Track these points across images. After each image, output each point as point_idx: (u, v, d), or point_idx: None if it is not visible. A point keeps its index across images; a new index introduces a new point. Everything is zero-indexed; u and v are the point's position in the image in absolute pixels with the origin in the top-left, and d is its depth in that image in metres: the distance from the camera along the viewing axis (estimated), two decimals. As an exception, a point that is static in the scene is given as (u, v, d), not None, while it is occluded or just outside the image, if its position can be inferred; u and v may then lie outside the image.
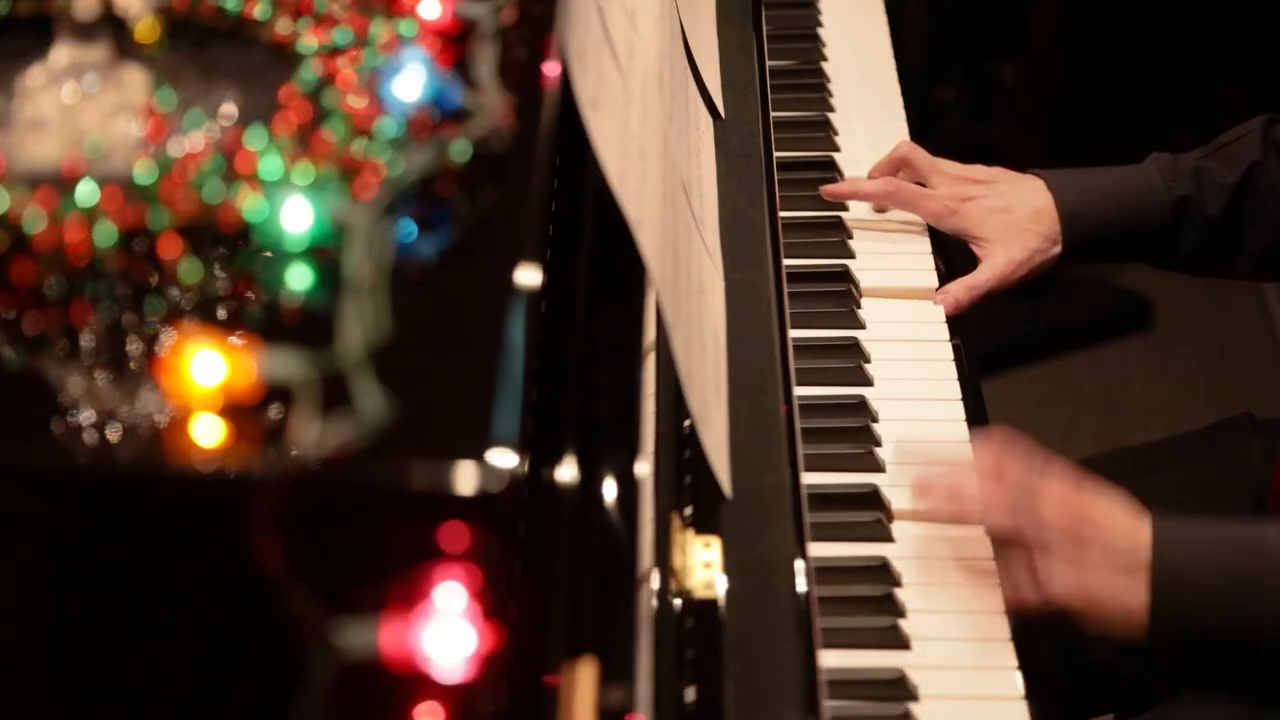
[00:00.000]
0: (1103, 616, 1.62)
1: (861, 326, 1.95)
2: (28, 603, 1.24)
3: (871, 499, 1.74)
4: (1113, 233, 2.03)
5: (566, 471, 1.41)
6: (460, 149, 1.39)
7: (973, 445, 1.76)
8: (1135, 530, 1.62)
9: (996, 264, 2.01)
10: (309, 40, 1.49)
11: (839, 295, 1.99)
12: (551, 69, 1.47)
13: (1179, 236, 2.02)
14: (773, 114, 2.15)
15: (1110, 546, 1.61)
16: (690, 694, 1.45)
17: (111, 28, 1.42)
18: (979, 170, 2.09)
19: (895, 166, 2.11)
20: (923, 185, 2.09)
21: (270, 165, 1.36)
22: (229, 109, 1.42)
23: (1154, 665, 1.70)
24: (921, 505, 1.71)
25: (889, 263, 2.05)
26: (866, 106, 2.31)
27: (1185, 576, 1.61)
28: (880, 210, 2.11)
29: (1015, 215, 2.03)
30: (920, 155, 2.10)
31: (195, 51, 1.50)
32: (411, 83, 1.42)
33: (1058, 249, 2.03)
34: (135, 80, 1.43)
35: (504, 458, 1.18)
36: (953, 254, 2.07)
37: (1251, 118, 2.06)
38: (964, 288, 2.00)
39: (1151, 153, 2.06)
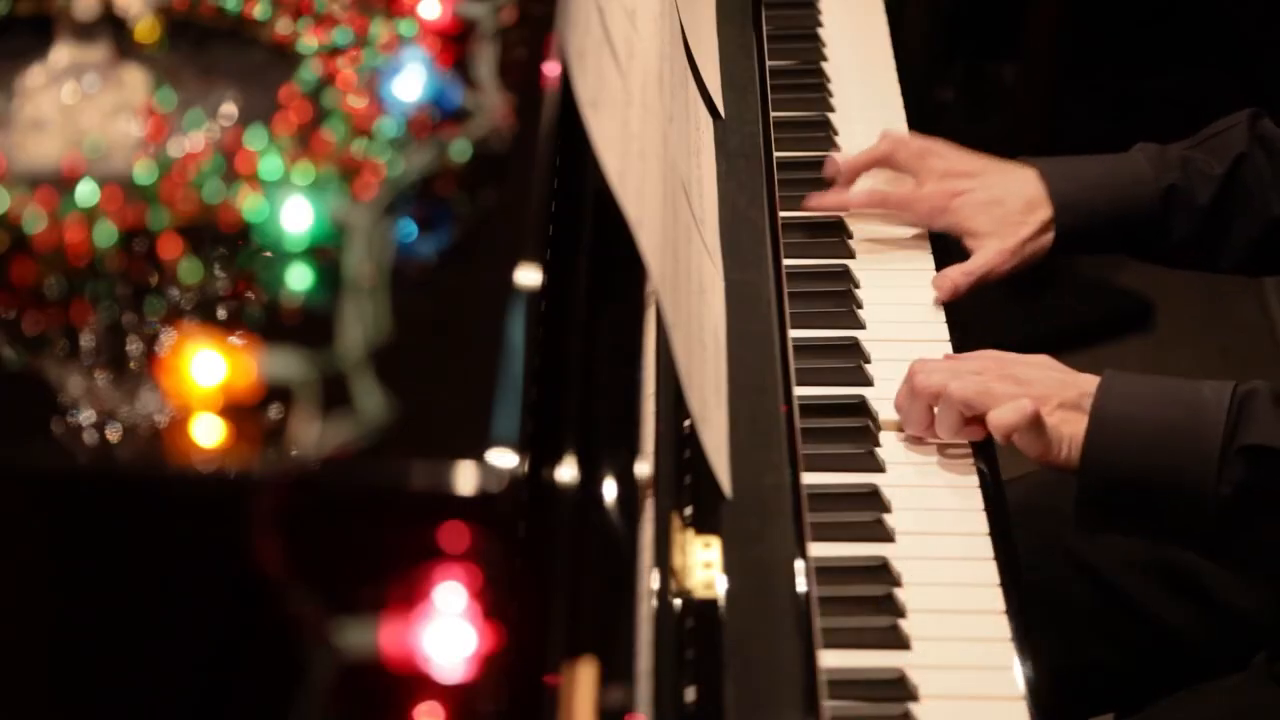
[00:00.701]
0: (1047, 445, 1.72)
1: (861, 326, 1.95)
2: (28, 603, 1.24)
3: (871, 499, 1.74)
4: (1104, 221, 2.03)
5: (566, 471, 1.41)
6: (460, 149, 1.39)
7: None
8: (1078, 381, 1.75)
9: (988, 252, 2.01)
10: (309, 40, 1.49)
11: (839, 295, 1.99)
12: (551, 69, 1.47)
13: (1168, 226, 2.02)
14: (773, 114, 2.15)
15: (1058, 393, 1.73)
16: (690, 694, 1.45)
17: (111, 28, 1.42)
18: (965, 161, 2.07)
19: (874, 163, 2.10)
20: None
21: (270, 165, 1.36)
22: (229, 109, 1.42)
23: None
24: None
25: (889, 262, 2.05)
26: (866, 106, 2.31)
27: (1122, 420, 1.70)
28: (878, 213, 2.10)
29: (1007, 207, 2.02)
30: (904, 151, 2.08)
31: (195, 51, 1.50)
32: (411, 83, 1.42)
33: (1049, 237, 2.02)
34: (135, 80, 1.43)
35: (504, 458, 1.18)
36: (952, 253, 2.07)
37: (1230, 116, 2.06)
38: (961, 272, 2.00)
39: (1137, 143, 2.06)
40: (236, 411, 1.22)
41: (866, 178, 2.11)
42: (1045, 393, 1.74)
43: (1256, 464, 1.66)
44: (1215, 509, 1.66)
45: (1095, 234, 2.04)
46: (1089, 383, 1.74)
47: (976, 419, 1.76)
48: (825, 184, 2.13)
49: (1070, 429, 1.72)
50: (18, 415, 1.24)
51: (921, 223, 2.07)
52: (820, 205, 2.08)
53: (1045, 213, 2.02)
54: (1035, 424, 1.71)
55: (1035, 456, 1.73)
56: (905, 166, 2.08)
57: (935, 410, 1.78)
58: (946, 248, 2.07)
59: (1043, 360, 1.79)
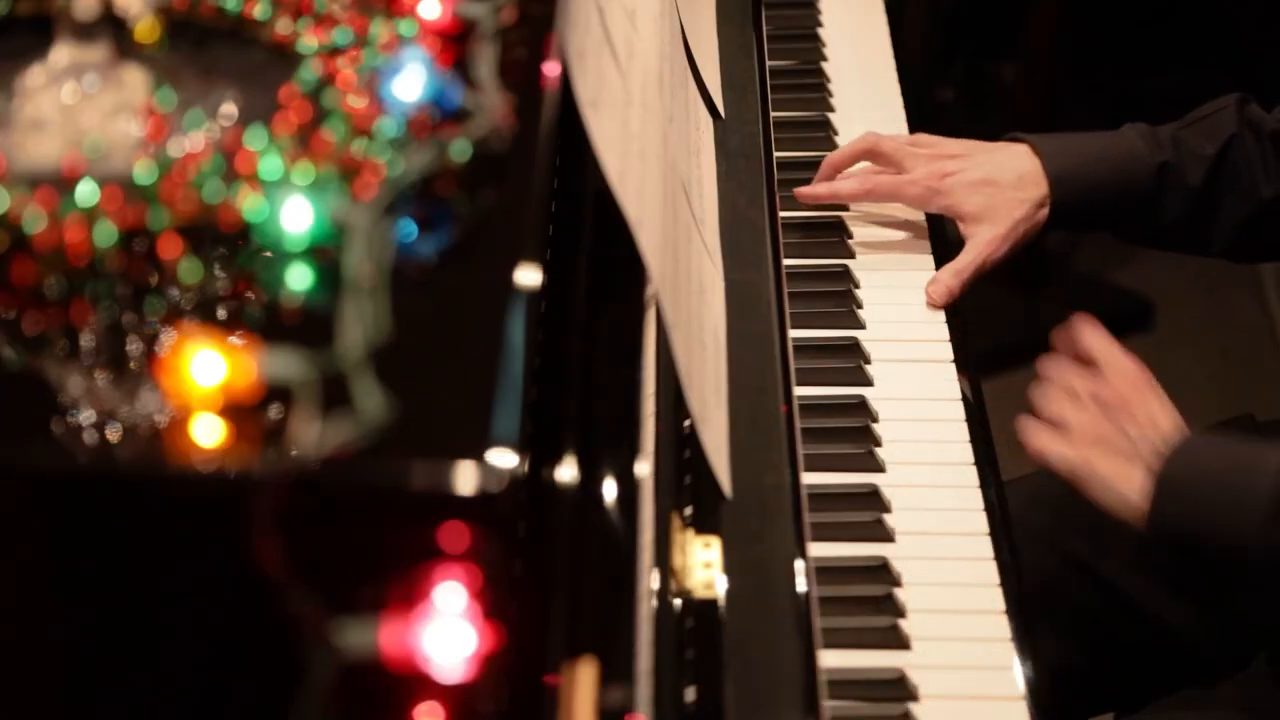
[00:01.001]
0: (1099, 493, 1.70)
1: (861, 326, 1.95)
2: (28, 603, 1.24)
3: (871, 499, 1.74)
4: (1098, 196, 2.01)
5: (566, 471, 1.41)
6: (460, 149, 1.39)
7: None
8: (1161, 431, 1.72)
9: (979, 243, 1.98)
10: (309, 40, 1.49)
11: (839, 295, 1.99)
12: (551, 69, 1.47)
13: (1160, 205, 2.00)
14: (773, 114, 2.15)
15: (1125, 433, 1.72)
16: (690, 694, 1.45)
17: (111, 28, 1.42)
18: (952, 144, 2.06)
19: (856, 158, 2.07)
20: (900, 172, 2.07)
21: (270, 165, 1.36)
22: (229, 109, 1.42)
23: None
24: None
25: (889, 262, 2.05)
26: (866, 106, 2.31)
27: (1185, 488, 1.68)
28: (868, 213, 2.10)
29: (999, 184, 2.00)
30: (888, 143, 2.06)
31: (195, 51, 1.50)
32: (411, 83, 1.42)
33: (1044, 213, 2.00)
34: (135, 80, 1.43)
35: (504, 458, 1.18)
36: (952, 250, 2.06)
37: (1219, 99, 2.06)
38: (951, 273, 1.98)
39: (1125, 123, 2.05)
40: (236, 411, 1.22)
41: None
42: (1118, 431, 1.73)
43: None
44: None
45: (1089, 210, 2.02)
46: (1172, 436, 1.72)
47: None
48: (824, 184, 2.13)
49: (1135, 494, 1.70)
50: (18, 415, 1.24)
51: (914, 206, 2.05)
52: (810, 195, 2.06)
53: (1039, 188, 2.00)
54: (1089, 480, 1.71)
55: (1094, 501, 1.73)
56: (890, 157, 2.06)
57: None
58: (946, 247, 2.07)
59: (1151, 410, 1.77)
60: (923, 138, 2.08)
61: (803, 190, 2.07)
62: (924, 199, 2.03)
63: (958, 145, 2.05)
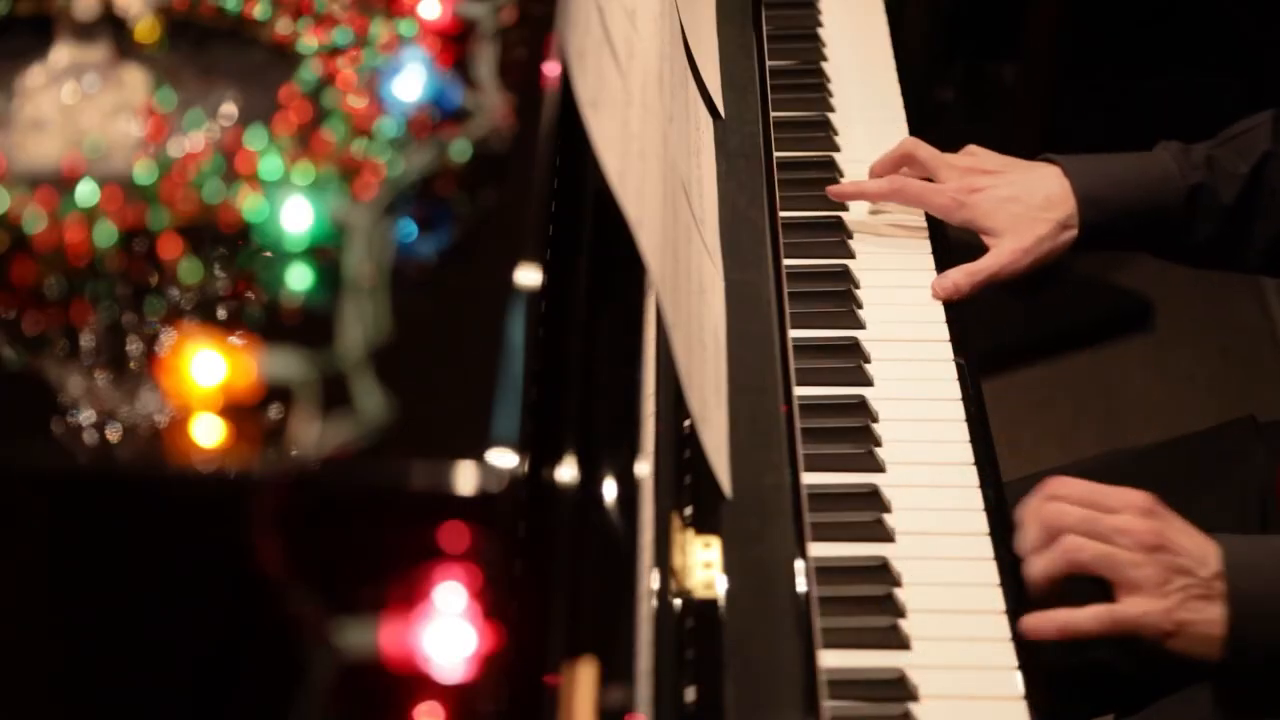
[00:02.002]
0: (1183, 642, 1.65)
1: (861, 326, 1.95)
2: (28, 603, 1.24)
3: (871, 499, 1.74)
4: (1129, 218, 2.01)
5: (566, 471, 1.41)
6: (460, 149, 1.39)
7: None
8: (1206, 555, 1.65)
9: (1002, 252, 1.99)
10: (309, 40, 1.49)
11: (839, 295, 1.99)
12: (551, 69, 1.47)
13: (1192, 225, 2.01)
14: (773, 114, 2.15)
15: (1190, 572, 1.64)
16: (690, 694, 1.45)
17: (111, 28, 1.42)
18: (988, 160, 2.07)
19: (898, 164, 2.09)
20: (929, 180, 2.08)
21: (270, 165, 1.36)
22: (229, 109, 1.42)
23: (1157, 665, 1.72)
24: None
25: (889, 262, 2.05)
26: (866, 106, 2.31)
27: (1260, 598, 1.64)
28: (873, 214, 2.10)
29: (1025, 203, 2.01)
30: (925, 151, 2.08)
31: (195, 51, 1.50)
32: (411, 83, 1.42)
33: (1070, 235, 2.00)
34: (135, 80, 1.43)
35: (504, 458, 1.18)
36: (954, 253, 2.06)
37: (1253, 116, 2.06)
38: (964, 273, 1.99)
39: (1160, 141, 2.06)
40: (236, 411, 1.22)
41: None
42: (1179, 565, 1.65)
43: None
44: None
45: (1119, 231, 2.03)
46: (1216, 557, 1.65)
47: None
48: (824, 183, 2.13)
49: (1214, 627, 1.64)
50: (18, 415, 1.24)
51: (938, 215, 2.06)
52: (840, 194, 2.08)
53: (1065, 209, 2.00)
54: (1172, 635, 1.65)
55: (1173, 653, 1.66)
56: (925, 164, 2.07)
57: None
58: (946, 247, 2.07)
59: (1179, 540, 1.68)
60: (967, 151, 2.08)
61: (832, 188, 2.08)
62: (948, 210, 2.04)
63: (994, 162, 2.06)
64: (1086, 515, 1.67)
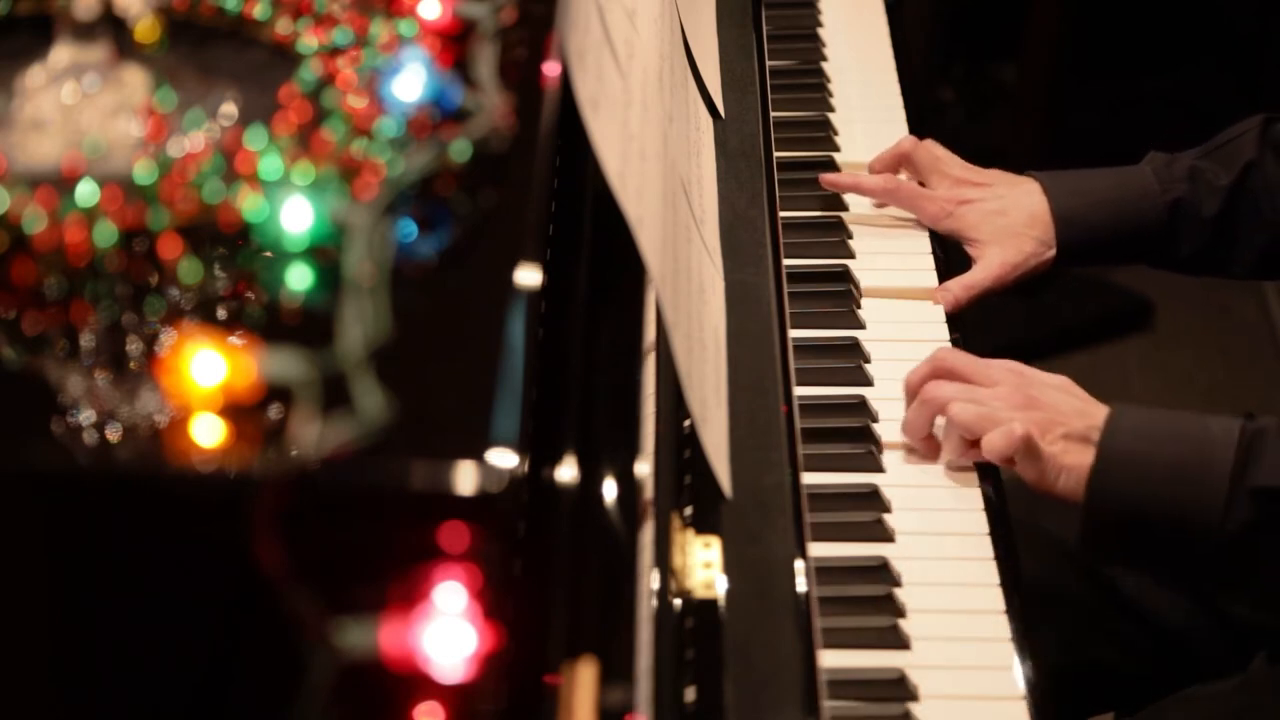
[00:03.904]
0: (1043, 472, 1.70)
1: (861, 326, 1.95)
2: (28, 603, 1.24)
3: (871, 499, 1.74)
4: (1107, 236, 2.03)
5: (566, 471, 1.41)
6: (460, 149, 1.39)
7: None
8: (1089, 412, 1.72)
9: (991, 265, 2.01)
10: (309, 40, 1.49)
11: (839, 295, 1.99)
12: (551, 69, 1.47)
13: (1176, 239, 2.02)
14: (773, 114, 2.15)
15: (1063, 423, 1.71)
16: (690, 694, 1.45)
17: (111, 28, 1.42)
18: (978, 172, 2.08)
19: (897, 162, 2.11)
20: (923, 184, 2.09)
21: (270, 165, 1.36)
22: (229, 109, 1.42)
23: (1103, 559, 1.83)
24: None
25: (889, 263, 2.05)
26: (866, 106, 2.31)
27: (1126, 452, 1.68)
28: (879, 207, 2.11)
29: (1010, 219, 2.03)
30: (923, 152, 2.09)
31: (195, 51, 1.50)
32: (411, 83, 1.42)
33: (1052, 253, 2.03)
34: (135, 80, 1.43)
35: (504, 458, 1.18)
36: (950, 254, 2.07)
37: (1243, 121, 2.06)
38: (962, 286, 2.00)
39: (1149, 153, 2.06)
40: (236, 411, 1.22)
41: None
42: (1051, 419, 1.71)
43: (1264, 505, 1.64)
44: (1221, 547, 1.65)
45: (1099, 248, 2.04)
46: (1099, 414, 1.71)
47: (975, 442, 1.75)
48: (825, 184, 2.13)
49: (1072, 459, 1.69)
50: (18, 415, 1.24)
51: (926, 222, 2.07)
52: (835, 183, 2.09)
53: (1044, 227, 2.02)
54: (1030, 450, 1.69)
55: (1031, 483, 1.72)
56: (919, 167, 2.09)
57: (939, 423, 1.77)
58: (946, 249, 2.08)
59: (1060, 383, 1.76)
60: (955, 157, 2.10)
61: (827, 176, 2.10)
62: (936, 218, 2.06)
63: (984, 174, 2.08)
64: (964, 388, 1.75)
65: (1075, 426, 1.71)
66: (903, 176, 2.11)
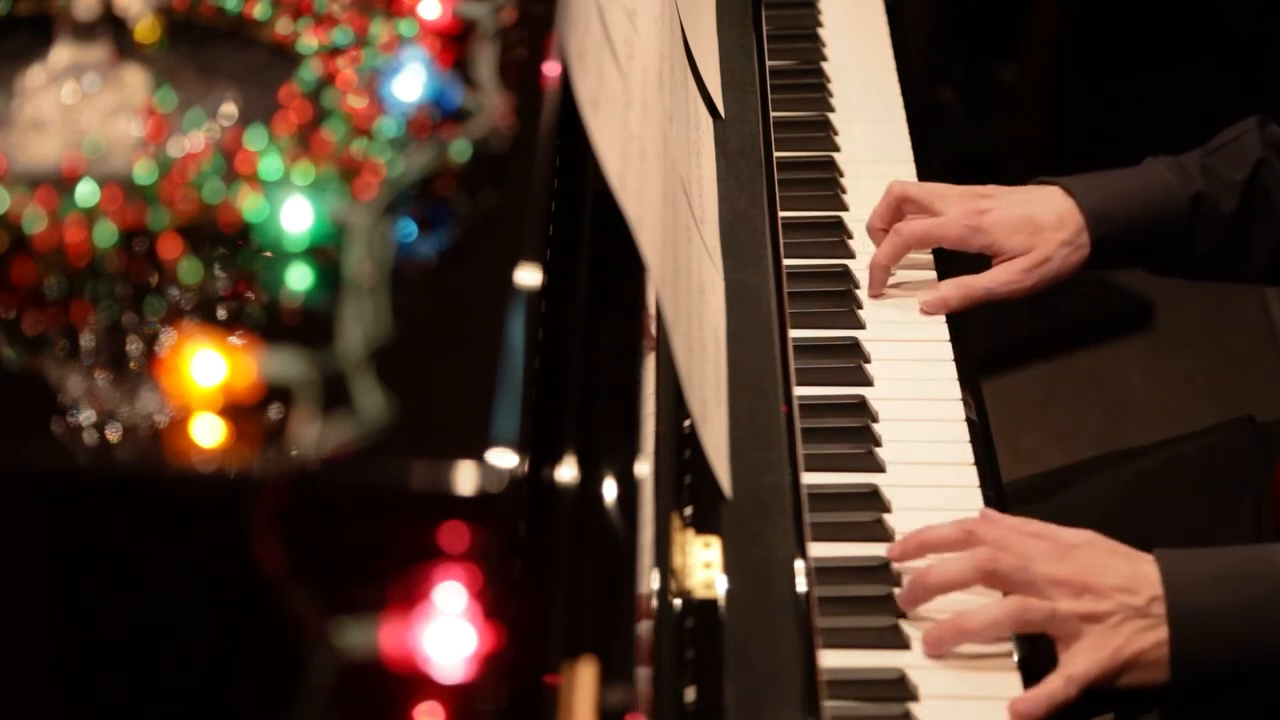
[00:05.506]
0: (1135, 674, 1.61)
1: (861, 326, 1.95)
2: (28, 603, 1.24)
3: (871, 499, 1.74)
4: (1136, 231, 1.99)
5: (566, 471, 1.41)
6: (460, 149, 1.39)
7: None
8: (1140, 576, 1.60)
9: (1004, 269, 1.97)
10: (309, 40, 1.49)
11: (839, 295, 1.99)
12: (551, 69, 1.47)
13: (1196, 235, 2.00)
14: (773, 114, 2.15)
15: (1125, 604, 1.60)
16: (690, 694, 1.45)
17: (111, 28, 1.42)
18: (978, 188, 2.03)
19: (893, 210, 2.03)
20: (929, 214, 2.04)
21: (270, 165, 1.36)
22: (229, 109, 1.42)
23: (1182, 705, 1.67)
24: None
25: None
26: (866, 106, 2.31)
27: (1201, 613, 1.59)
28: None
29: (1039, 223, 1.98)
30: (915, 188, 2.04)
31: (195, 51, 1.50)
32: (411, 83, 1.42)
33: (1081, 254, 1.98)
34: (135, 80, 1.43)
35: (504, 458, 1.18)
36: (951, 254, 2.06)
37: (1236, 125, 2.05)
38: (955, 285, 1.98)
39: (1146, 156, 2.05)
40: (236, 411, 1.22)
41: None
42: (1108, 608, 1.60)
43: None
44: None
45: (1127, 245, 2.00)
46: (1153, 580, 1.60)
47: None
48: (824, 183, 2.13)
49: (1158, 650, 1.60)
50: (18, 415, 1.24)
51: (952, 247, 2.01)
52: (873, 290, 2.00)
53: (1073, 227, 1.98)
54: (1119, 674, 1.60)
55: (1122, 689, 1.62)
56: (918, 201, 2.02)
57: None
58: (946, 249, 2.07)
59: (1095, 543, 1.64)
60: (947, 186, 2.04)
61: (872, 292, 2.00)
62: (963, 239, 1.99)
63: (985, 188, 2.03)
64: (1018, 565, 1.61)
65: (1136, 604, 1.60)
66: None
